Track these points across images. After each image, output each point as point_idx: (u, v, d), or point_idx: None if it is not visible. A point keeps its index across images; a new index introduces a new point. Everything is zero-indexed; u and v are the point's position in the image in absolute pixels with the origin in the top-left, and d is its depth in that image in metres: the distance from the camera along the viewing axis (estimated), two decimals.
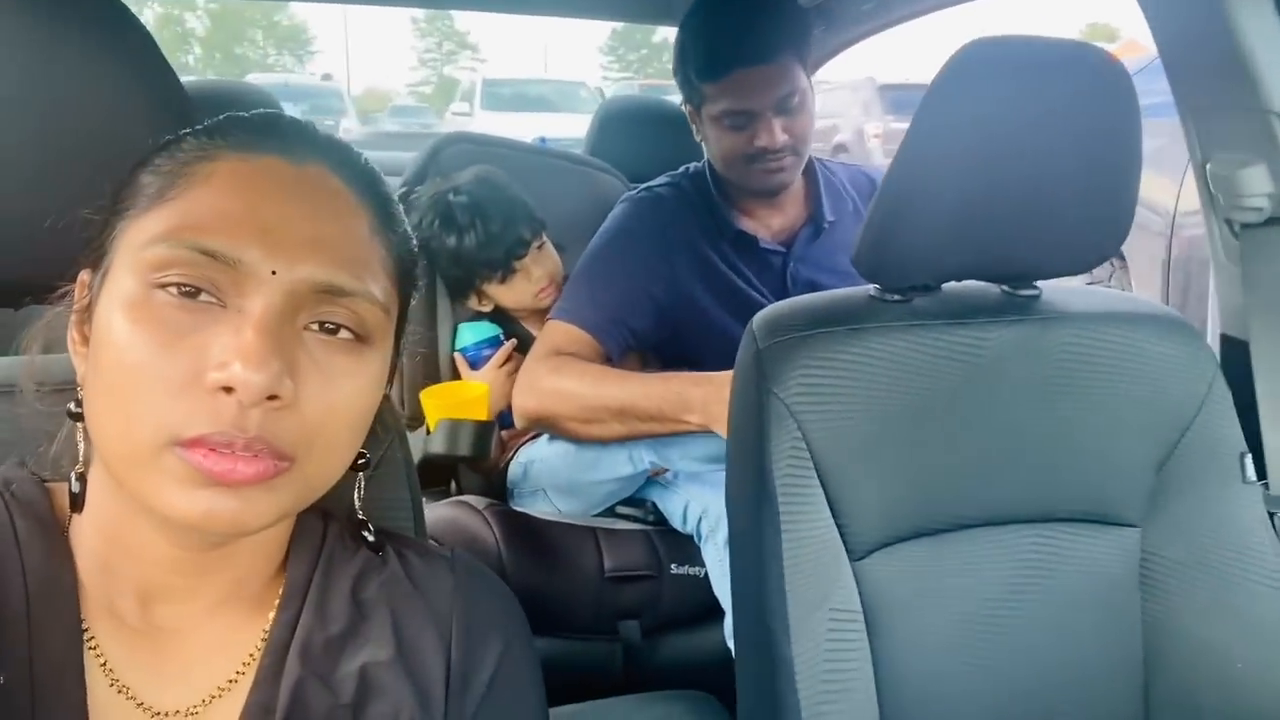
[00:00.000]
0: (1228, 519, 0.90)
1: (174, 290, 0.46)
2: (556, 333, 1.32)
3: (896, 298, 0.90)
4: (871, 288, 0.92)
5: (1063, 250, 0.90)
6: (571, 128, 9.40)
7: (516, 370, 1.43)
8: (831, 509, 0.83)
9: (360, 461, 0.56)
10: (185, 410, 0.45)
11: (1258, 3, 0.90)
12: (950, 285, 0.93)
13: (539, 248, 1.49)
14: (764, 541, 0.81)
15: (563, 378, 1.26)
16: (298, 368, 0.48)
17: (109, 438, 0.48)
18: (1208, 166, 1.02)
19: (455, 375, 1.55)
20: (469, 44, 33.01)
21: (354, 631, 0.56)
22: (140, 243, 0.48)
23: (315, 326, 0.49)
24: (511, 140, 1.86)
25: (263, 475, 0.46)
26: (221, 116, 0.54)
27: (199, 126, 0.53)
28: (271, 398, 0.46)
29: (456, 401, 1.28)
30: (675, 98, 1.59)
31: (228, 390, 0.45)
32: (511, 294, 1.50)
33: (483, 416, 1.28)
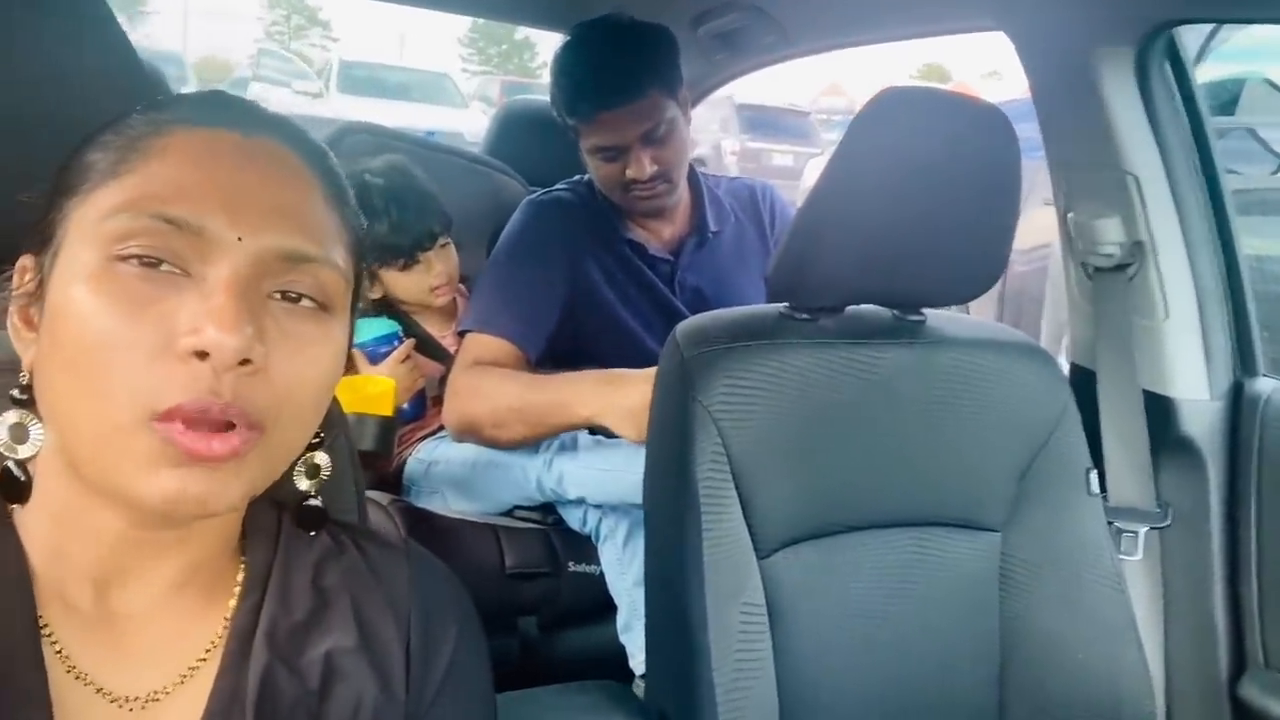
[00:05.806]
0: (1074, 525, 1.02)
1: (135, 261, 0.46)
2: (479, 345, 1.32)
3: (805, 316, 0.98)
4: (782, 306, 1.00)
5: (948, 282, 0.99)
6: (440, 120, 9.14)
7: (414, 368, 1.43)
8: (744, 510, 0.90)
9: (315, 441, 0.57)
10: (158, 379, 0.45)
11: (1123, 76, 1.04)
12: (851, 308, 1.01)
13: (443, 245, 1.50)
14: (685, 539, 0.86)
15: (504, 382, 1.27)
16: (266, 335, 0.47)
17: (76, 417, 0.46)
18: (1070, 215, 1.15)
19: (351, 368, 1.52)
20: (320, 20, 31.19)
21: (317, 618, 0.56)
22: (97, 217, 0.47)
23: (278, 295, 0.49)
24: (412, 134, 1.84)
25: (236, 450, 0.46)
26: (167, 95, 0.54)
27: (145, 103, 0.53)
28: (244, 362, 0.45)
29: (361, 396, 1.27)
30: (538, 96, 1.62)
31: (201, 356, 0.45)
32: (407, 285, 1.49)
33: (387, 412, 1.27)
